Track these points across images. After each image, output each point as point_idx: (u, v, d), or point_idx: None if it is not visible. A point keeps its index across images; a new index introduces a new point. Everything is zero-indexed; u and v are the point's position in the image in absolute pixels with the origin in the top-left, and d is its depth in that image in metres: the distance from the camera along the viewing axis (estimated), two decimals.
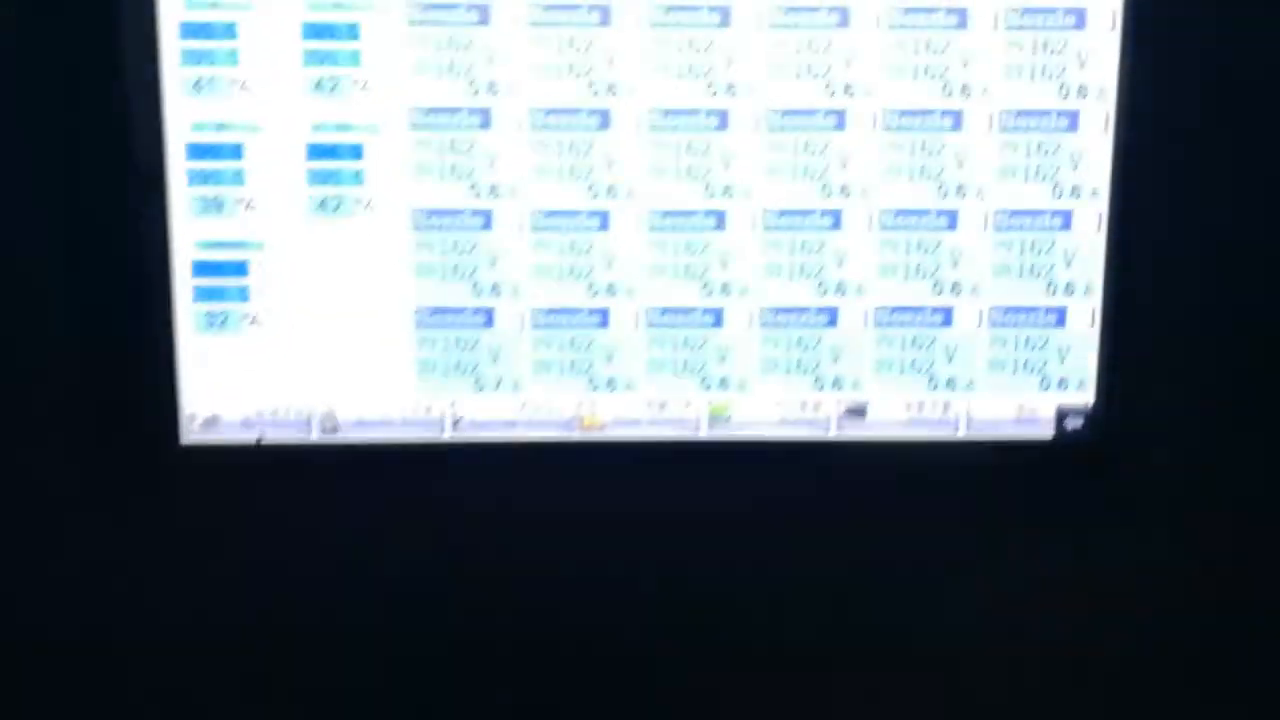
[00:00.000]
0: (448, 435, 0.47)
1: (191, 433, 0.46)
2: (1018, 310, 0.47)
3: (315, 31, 0.44)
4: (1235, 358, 0.49)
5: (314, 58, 0.44)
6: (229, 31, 0.44)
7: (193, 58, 0.44)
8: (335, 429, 0.47)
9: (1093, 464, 0.48)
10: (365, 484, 0.48)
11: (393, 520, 0.48)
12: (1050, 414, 0.48)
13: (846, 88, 0.45)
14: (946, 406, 0.48)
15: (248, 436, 0.47)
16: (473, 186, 0.45)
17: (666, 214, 0.46)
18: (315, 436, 0.47)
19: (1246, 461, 0.49)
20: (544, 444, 0.47)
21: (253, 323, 0.45)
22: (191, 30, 0.43)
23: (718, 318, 0.47)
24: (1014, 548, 0.50)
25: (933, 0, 0.44)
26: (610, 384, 0.47)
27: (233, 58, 0.44)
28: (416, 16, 0.44)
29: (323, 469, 0.47)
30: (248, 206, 0.45)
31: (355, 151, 0.45)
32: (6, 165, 0.45)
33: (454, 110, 0.45)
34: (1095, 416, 0.48)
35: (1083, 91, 0.45)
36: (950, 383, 0.47)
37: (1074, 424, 0.48)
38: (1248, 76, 0.46)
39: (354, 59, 0.44)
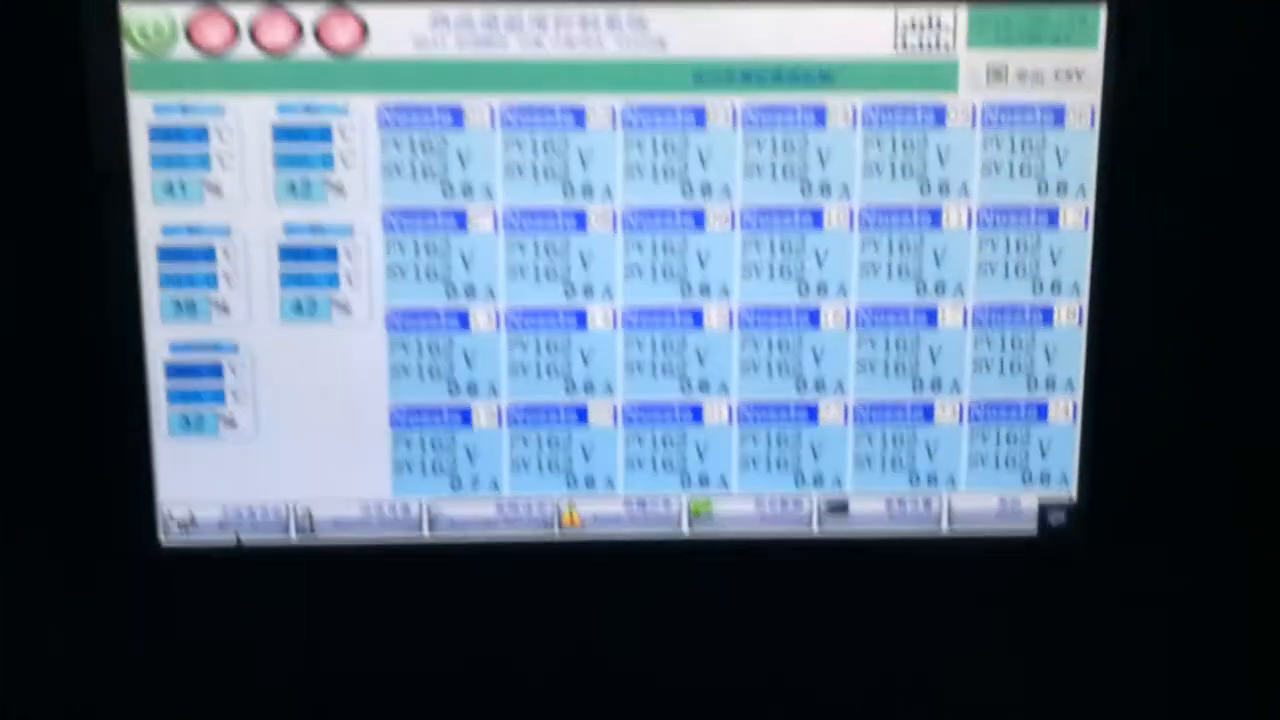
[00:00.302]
0: (425, 535, 0.47)
1: (170, 534, 0.47)
2: (998, 406, 0.47)
3: (286, 135, 0.44)
4: (1220, 452, 0.48)
5: (285, 161, 0.44)
6: (199, 135, 0.44)
7: (163, 162, 0.43)
8: (312, 529, 0.47)
9: (1077, 559, 0.48)
10: (343, 583, 0.47)
11: (371, 619, 0.48)
12: (1033, 509, 0.48)
13: (823, 187, 0.46)
14: (928, 503, 0.48)
15: (225, 538, 0.47)
16: (448, 287, 0.46)
17: (643, 312, 0.46)
18: (293, 537, 0.47)
19: (1233, 556, 0.49)
20: (523, 543, 0.47)
21: (228, 425, 0.46)
22: (161, 134, 0.43)
23: (696, 414, 0.47)
24: (999, 643, 0.49)
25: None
26: (589, 482, 0.47)
27: (203, 161, 0.44)
28: (388, 119, 0.44)
29: (300, 569, 0.47)
30: (221, 309, 0.45)
31: (329, 254, 0.45)
32: None
33: (428, 212, 0.45)
34: (1078, 512, 0.48)
35: (1062, 189, 0.45)
36: (932, 479, 0.47)
37: (1057, 519, 0.48)
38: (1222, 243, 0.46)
39: (326, 162, 0.44)
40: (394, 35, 0.43)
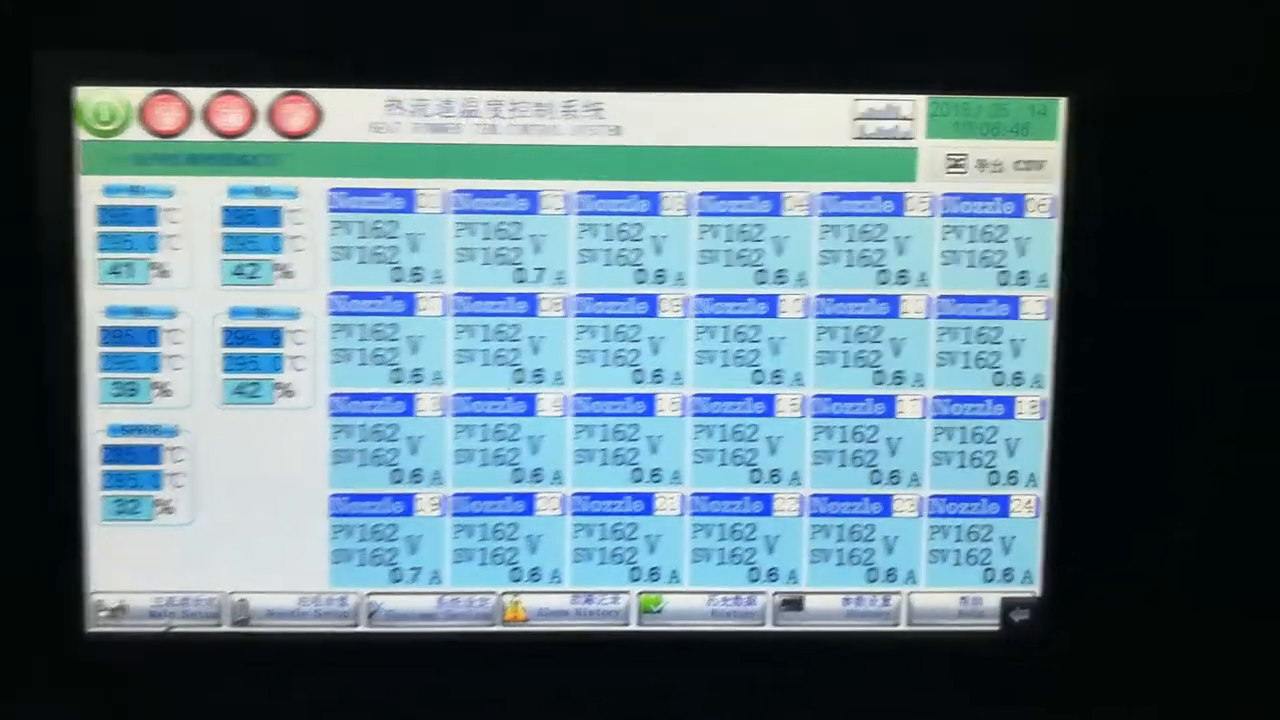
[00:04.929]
0: (363, 627, 0.50)
1: (98, 621, 0.49)
2: (959, 500, 0.50)
3: (236, 217, 0.48)
4: (1188, 546, 0.52)
5: (234, 243, 0.48)
6: (148, 217, 0.48)
7: (111, 243, 0.48)
8: (247, 620, 0.50)
9: (1042, 657, 0.50)
10: (276, 676, 0.50)
11: (303, 714, 0.51)
12: (996, 606, 0.51)
13: (779, 275, 0.49)
14: (887, 599, 0.51)
15: (156, 626, 0.49)
16: (395, 371, 0.49)
17: (594, 398, 0.50)
18: (226, 627, 0.50)
19: (1202, 653, 0.52)
20: (464, 637, 0.50)
21: (164, 510, 0.49)
22: (110, 215, 0.48)
23: (648, 505, 0.50)
24: None
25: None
26: (534, 574, 0.50)
27: (151, 243, 0.48)
28: (339, 203, 0.48)
29: (233, 660, 0.49)
30: (163, 392, 0.48)
31: (274, 337, 0.49)
32: None
33: (376, 295, 0.49)
34: (1043, 609, 0.51)
35: (1023, 279, 0.49)
36: (890, 575, 0.50)
37: (1021, 616, 0.51)
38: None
39: (275, 245, 0.48)
40: (348, 120, 0.48)
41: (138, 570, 0.49)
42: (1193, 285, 0.51)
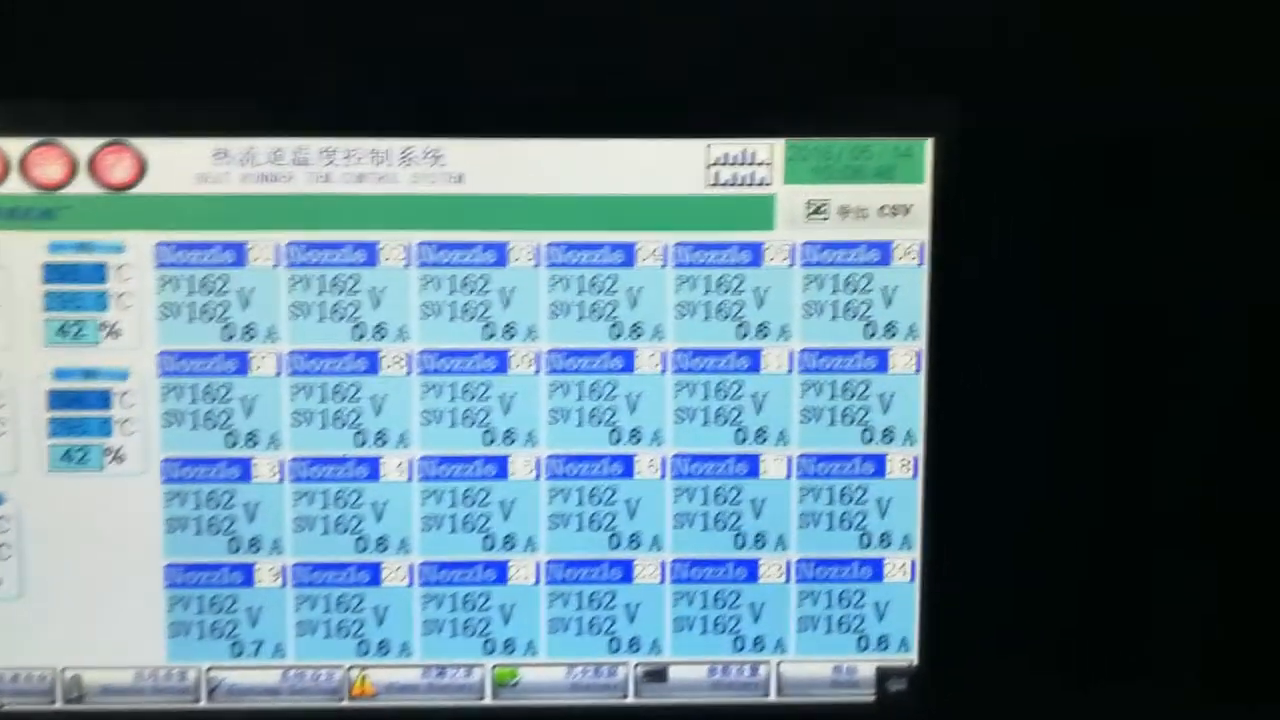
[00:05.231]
0: (203, 704, 0.47)
1: None
2: (829, 564, 0.48)
3: (58, 274, 0.46)
4: (1072, 611, 0.49)
5: (56, 301, 0.46)
6: None
7: None
8: (81, 697, 0.48)
9: None
10: None
11: None
12: (871, 676, 0.48)
13: (634, 328, 0.47)
14: (755, 669, 0.48)
15: None
16: (229, 435, 0.47)
17: (442, 461, 0.47)
18: (59, 705, 0.47)
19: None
20: (310, 714, 0.47)
21: None
22: None
23: (501, 573, 0.48)
24: None
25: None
26: (383, 648, 0.48)
27: None
28: (167, 258, 0.46)
29: None
30: None
31: (101, 400, 0.46)
32: None
33: (208, 355, 0.46)
34: (920, 678, 0.48)
35: (891, 330, 0.47)
36: (758, 643, 0.48)
37: (897, 686, 0.49)
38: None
39: (100, 303, 0.46)
40: (174, 170, 0.46)
41: None
42: (1070, 334, 0.48)
